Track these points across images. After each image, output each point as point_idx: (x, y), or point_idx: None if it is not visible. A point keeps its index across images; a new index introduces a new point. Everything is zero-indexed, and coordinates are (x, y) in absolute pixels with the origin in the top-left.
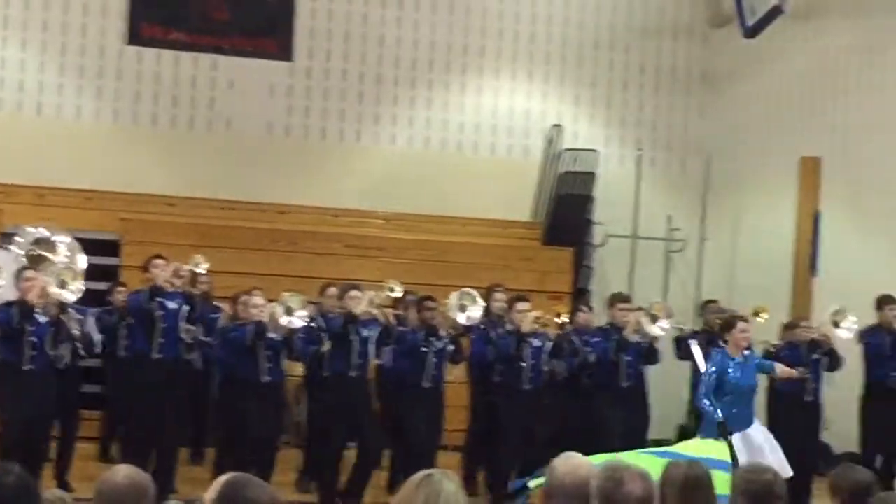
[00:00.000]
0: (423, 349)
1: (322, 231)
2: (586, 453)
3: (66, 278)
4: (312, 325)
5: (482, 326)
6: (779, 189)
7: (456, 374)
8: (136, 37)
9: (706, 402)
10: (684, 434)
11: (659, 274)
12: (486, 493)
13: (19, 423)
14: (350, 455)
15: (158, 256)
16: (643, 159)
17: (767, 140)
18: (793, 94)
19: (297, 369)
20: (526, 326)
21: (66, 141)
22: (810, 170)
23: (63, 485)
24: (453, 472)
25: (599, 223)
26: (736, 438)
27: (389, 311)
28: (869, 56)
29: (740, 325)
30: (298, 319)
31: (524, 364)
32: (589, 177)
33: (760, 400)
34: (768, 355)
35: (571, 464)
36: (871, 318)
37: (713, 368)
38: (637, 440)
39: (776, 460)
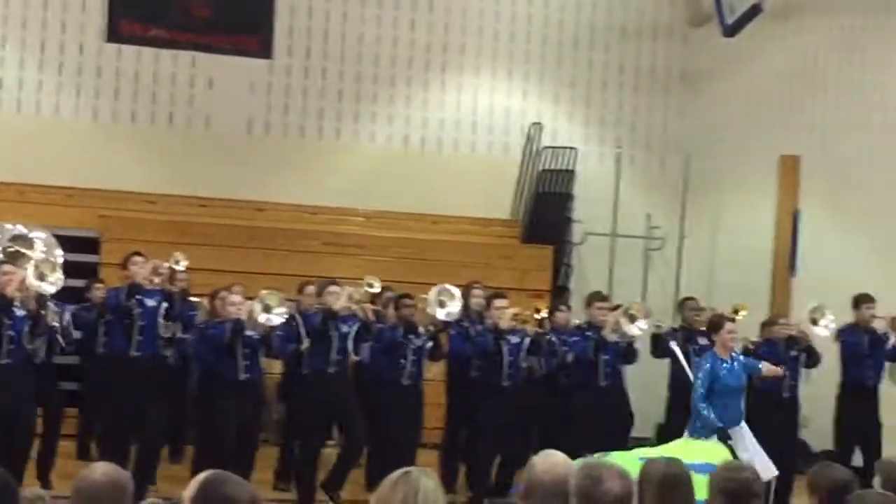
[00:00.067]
0: (402, 345)
1: (301, 229)
2: (565, 451)
3: (44, 270)
4: (291, 323)
5: (461, 323)
6: (758, 187)
7: (434, 372)
8: (116, 34)
9: (702, 405)
10: (663, 432)
11: (638, 272)
12: (467, 490)
13: None
14: (329, 453)
15: (137, 254)
16: (622, 158)
17: (747, 139)
18: (772, 93)
19: (275, 367)
20: (504, 323)
21: (45, 138)
22: (789, 168)
23: (45, 483)
24: (432, 469)
25: (579, 221)
26: (735, 434)
27: (368, 306)
28: (848, 54)
29: (728, 325)
30: (276, 317)
31: (503, 360)
32: (568, 175)
33: None
34: (747, 352)
35: (550, 462)
36: (850, 317)
37: (707, 368)
38: (620, 439)
39: (761, 461)
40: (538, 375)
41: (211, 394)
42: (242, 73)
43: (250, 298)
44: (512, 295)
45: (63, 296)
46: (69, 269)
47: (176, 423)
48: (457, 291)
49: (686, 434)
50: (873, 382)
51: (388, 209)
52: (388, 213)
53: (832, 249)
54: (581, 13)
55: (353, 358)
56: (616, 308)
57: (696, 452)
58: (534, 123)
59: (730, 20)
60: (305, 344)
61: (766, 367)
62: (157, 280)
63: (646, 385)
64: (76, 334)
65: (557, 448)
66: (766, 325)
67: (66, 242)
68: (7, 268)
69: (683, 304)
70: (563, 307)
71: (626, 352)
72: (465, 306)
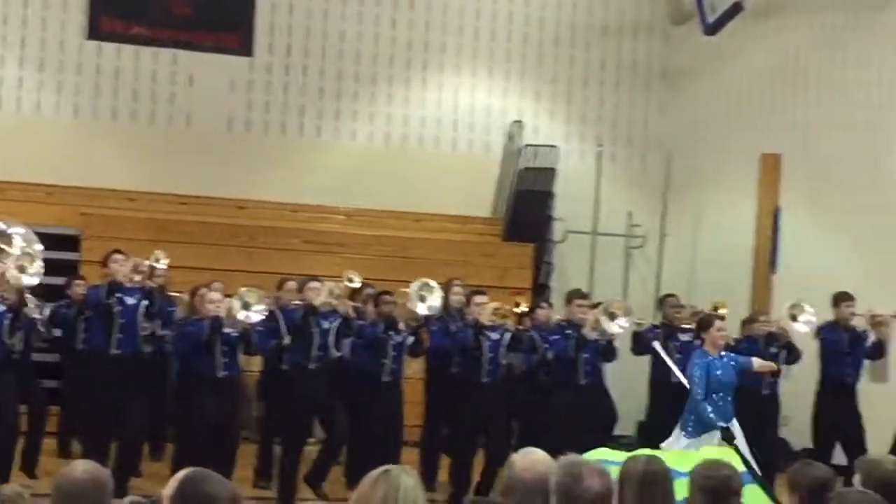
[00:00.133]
0: (383, 341)
1: (282, 227)
2: (546, 449)
3: (24, 263)
4: (272, 319)
5: (442, 319)
6: (739, 185)
7: (414, 369)
8: (97, 31)
9: (707, 407)
10: (643, 430)
11: (619, 270)
12: (450, 487)
13: None
14: (309, 451)
15: (118, 251)
16: (603, 155)
17: (728, 137)
18: (753, 91)
19: (255, 365)
20: (484, 318)
21: (26, 136)
22: (770, 166)
23: (31, 474)
24: (411, 467)
25: (560, 219)
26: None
27: (349, 302)
28: (829, 53)
29: (717, 323)
30: (255, 314)
31: (483, 356)
32: (549, 173)
33: None
34: (727, 349)
35: (530, 459)
36: (830, 315)
37: (702, 368)
38: (603, 437)
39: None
40: (518, 373)
41: (189, 390)
42: (223, 71)
43: (229, 296)
44: (493, 293)
45: (43, 293)
46: (49, 267)
47: (156, 420)
48: (437, 286)
49: (678, 432)
50: (852, 380)
51: (370, 207)
52: (369, 211)
53: (813, 247)
54: (562, 11)
55: (335, 354)
56: (596, 306)
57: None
58: (515, 121)
59: (711, 18)
60: (287, 340)
61: (757, 363)
62: (137, 278)
63: (627, 383)
64: (56, 332)
65: (538, 446)
66: (746, 323)
67: (47, 240)
68: None
69: (664, 301)
70: (544, 304)
71: (606, 350)
72: (446, 303)
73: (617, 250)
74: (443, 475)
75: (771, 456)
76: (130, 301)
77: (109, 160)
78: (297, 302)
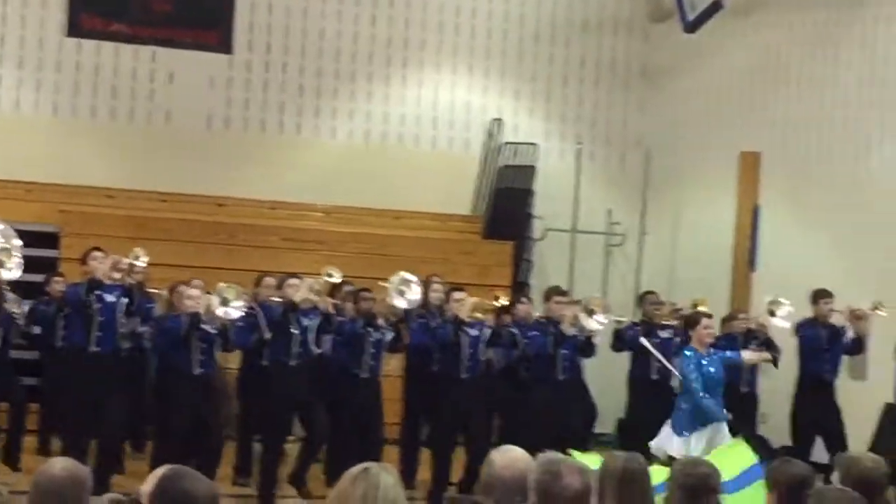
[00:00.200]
0: (363, 338)
1: (261, 224)
2: (526, 445)
3: (2, 258)
4: (251, 314)
5: (422, 316)
6: (718, 184)
7: (393, 366)
8: (76, 28)
9: (709, 402)
10: (623, 428)
11: (599, 268)
12: (431, 483)
13: None
14: (289, 448)
15: (97, 249)
16: (583, 153)
17: (707, 135)
18: (732, 89)
19: (235, 361)
20: (464, 314)
21: (5, 133)
22: (750, 164)
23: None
24: (391, 465)
25: (539, 217)
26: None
27: (329, 299)
28: (809, 50)
29: (704, 321)
30: (234, 310)
31: (462, 352)
32: (529, 171)
33: None
34: None
35: (510, 457)
36: (809, 312)
37: (694, 365)
38: (583, 433)
39: None
40: (497, 369)
41: (168, 387)
42: (203, 68)
43: (208, 293)
44: (472, 290)
45: (22, 290)
46: (29, 264)
47: (136, 417)
48: (416, 280)
49: (668, 430)
50: (831, 377)
51: (349, 204)
52: (348, 209)
53: (792, 245)
54: (541, 8)
55: (315, 351)
56: (575, 303)
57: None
58: (494, 119)
59: (691, 16)
60: (267, 335)
61: (747, 355)
62: (117, 276)
63: (606, 380)
64: (35, 329)
65: (518, 442)
66: (725, 321)
67: (26, 237)
68: None
69: (644, 299)
70: (524, 299)
71: (585, 346)
72: (426, 300)
73: (596, 248)
74: (422, 472)
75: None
76: (110, 298)
77: (89, 157)
78: (276, 299)
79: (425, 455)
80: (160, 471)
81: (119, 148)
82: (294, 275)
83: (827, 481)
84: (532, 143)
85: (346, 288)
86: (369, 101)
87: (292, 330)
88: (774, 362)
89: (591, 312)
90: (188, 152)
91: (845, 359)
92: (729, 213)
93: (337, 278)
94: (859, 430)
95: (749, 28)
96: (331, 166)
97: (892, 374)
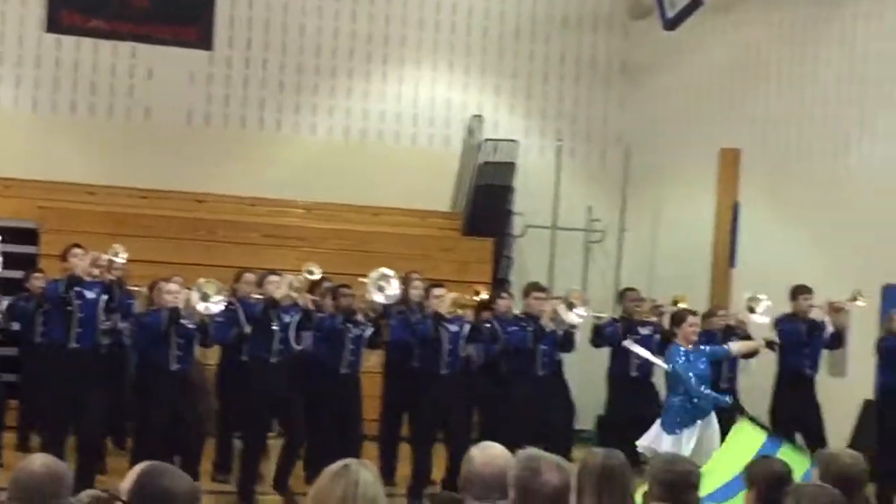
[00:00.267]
0: (342, 333)
1: (241, 220)
2: (506, 441)
3: None
4: (231, 309)
5: (402, 312)
6: (698, 180)
7: (373, 362)
8: (56, 24)
9: (708, 392)
10: (603, 424)
11: (579, 264)
12: (410, 480)
13: None
14: (270, 444)
15: (77, 246)
16: (563, 150)
17: (687, 132)
18: (712, 86)
19: (213, 357)
20: (444, 309)
21: None
22: (730, 161)
23: None
24: (370, 461)
25: (519, 213)
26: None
27: (308, 296)
28: (788, 48)
29: (690, 318)
30: (215, 305)
31: (442, 348)
32: (509, 167)
33: None
34: None
35: (489, 454)
36: (788, 309)
37: (683, 361)
38: (563, 429)
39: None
40: (476, 366)
41: (147, 383)
42: (182, 64)
43: (188, 289)
44: (452, 287)
45: (1, 287)
46: (7, 260)
47: (116, 413)
48: (395, 275)
49: (657, 429)
50: (811, 372)
51: (329, 201)
52: (328, 205)
53: (772, 242)
54: (522, 5)
55: (296, 348)
56: (554, 299)
57: (739, 456)
58: (475, 116)
59: (670, 13)
60: (247, 329)
61: (735, 346)
62: (96, 272)
63: (586, 377)
64: (14, 325)
65: (498, 437)
66: (705, 318)
67: (5, 233)
68: None
69: (624, 295)
70: (504, 294)
71: (564, 340)
72: (406, 296)
73: (576, 245)
74: (402, 468)
75: None
76: (90, 295)
77: (68, 154)
78: (257, 295)
79: (405, 451)
80: (139, 467)
81: (98, 144)
82: (274, 271)
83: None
84: (512, 140)
85: (325, 284)
86: (349, 98)
87: (273, 326)
88: (771, 346)
89: (570, 306)
90: (168, 149)
91: (825, 355)
92: (708, 209)
93: (317, 275)
94: (839, 426)
95: (729, 25)
96: (311, 163)
97: (872, 370)
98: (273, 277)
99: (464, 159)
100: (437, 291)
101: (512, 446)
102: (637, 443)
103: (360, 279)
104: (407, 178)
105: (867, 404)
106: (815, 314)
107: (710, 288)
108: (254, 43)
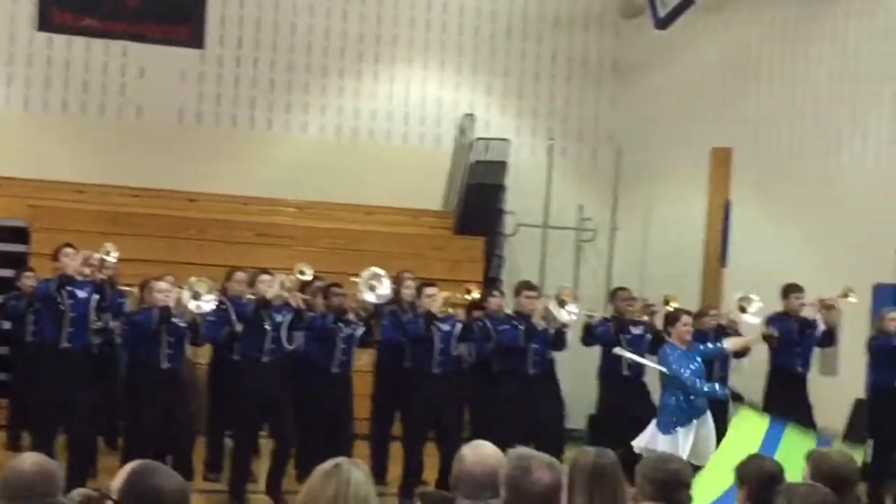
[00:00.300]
0: (333, 333)
1: (233, 219)
2: (497, 440)
3: None
4: (222, 307)
5: (393, 311)
6: (689, 179)
7: (364, 361)
8: (47, 23)
9: (708, 385)
10: (594, 423)
11: (570, 263)
12: (402, 479)
13: None
14: (262, 444)
15: (68, 245)
16: (554, 149)
17: (678, 130)
18: (704, 85)
19: (204, 356)
20: (435, 307)
21: None
22: (721, 160)
23: None
24: (362, 461)
25: (511, 212)
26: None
27: (299, 295)
28: (780, 46)
29: (684, 318)
30: (206, 303)
31: (434, 347)
32: (500, 166)
33: None
34: None
35: (480, 453)
36: (780, 307)
37: (678, 358)
38: (554, 429)
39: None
40: (467, 365)
41: (137, 382)
42: (174, 63)
43: (179, 288)
44: (444, 286)
45: None
46: None
47: (108, 412)
48: (386, 276)
49: (653, 429)
50: (802, 370)
51: (320, 200)
52: (320, 204)
53: (763, 241)
54: (513, 4)
55: (287, 347)
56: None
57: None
58: (466, 114)
59: (662, 12)
60: (238, 327)
61: (728, 343)
62: (87, 272)
63: (578, 375)
64: (5, 324)
65: (489, 436)
66: (696, 317)
67: None
68: None
69: (615, 294)
70: (496, 292)
71: (556, 339)
72: (398, 295)
73: (568, 244)
74: (394, 468)
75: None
76: (82, 294)
77: (59, 152)
78: (249, 295)
79: (396, 450)
80: (130, 466)
81: (90, 143)
82: (265, 270)
83: None
84: (504, 139)
85: (317, 283)
86: (340, 97)
87: (265, 326)
88: (769, 340)
89: (562, 303)
90: (159, 147)
91: (816, 354)
92: (700, 208)
93: (309, 276)
94: (830, 425)
95: (720, 24)
96: (302, 162)
97: (863, 369)
98: (265, 277)
99: (455, 158)
100: (428, 290)
101: (503, 445)
102: (633, 443)
103: (352, 278)
104: (398, 177)
105: (858, 403)
106: (807, 312)
107: (702, 287)
108: (245, 42)
